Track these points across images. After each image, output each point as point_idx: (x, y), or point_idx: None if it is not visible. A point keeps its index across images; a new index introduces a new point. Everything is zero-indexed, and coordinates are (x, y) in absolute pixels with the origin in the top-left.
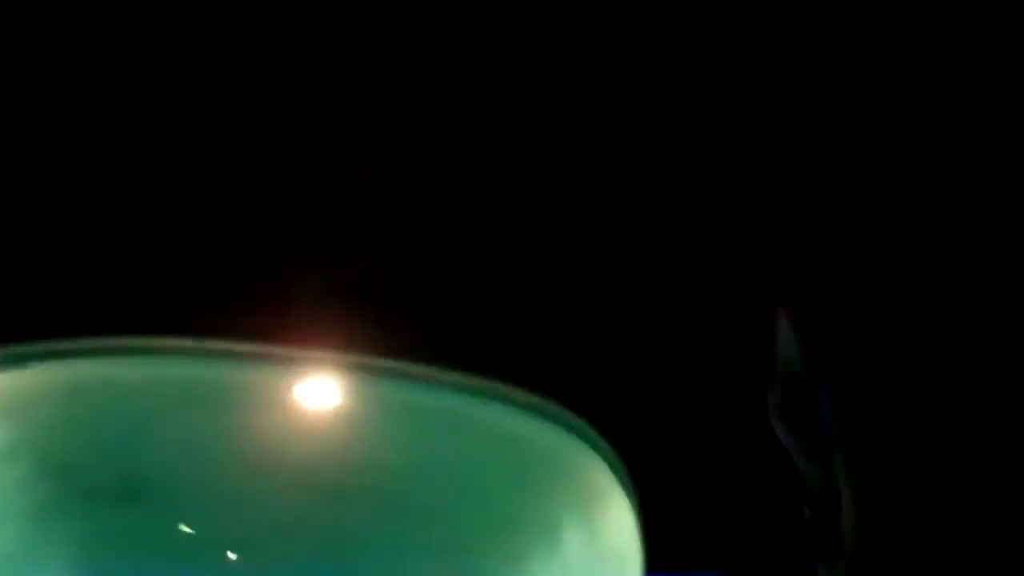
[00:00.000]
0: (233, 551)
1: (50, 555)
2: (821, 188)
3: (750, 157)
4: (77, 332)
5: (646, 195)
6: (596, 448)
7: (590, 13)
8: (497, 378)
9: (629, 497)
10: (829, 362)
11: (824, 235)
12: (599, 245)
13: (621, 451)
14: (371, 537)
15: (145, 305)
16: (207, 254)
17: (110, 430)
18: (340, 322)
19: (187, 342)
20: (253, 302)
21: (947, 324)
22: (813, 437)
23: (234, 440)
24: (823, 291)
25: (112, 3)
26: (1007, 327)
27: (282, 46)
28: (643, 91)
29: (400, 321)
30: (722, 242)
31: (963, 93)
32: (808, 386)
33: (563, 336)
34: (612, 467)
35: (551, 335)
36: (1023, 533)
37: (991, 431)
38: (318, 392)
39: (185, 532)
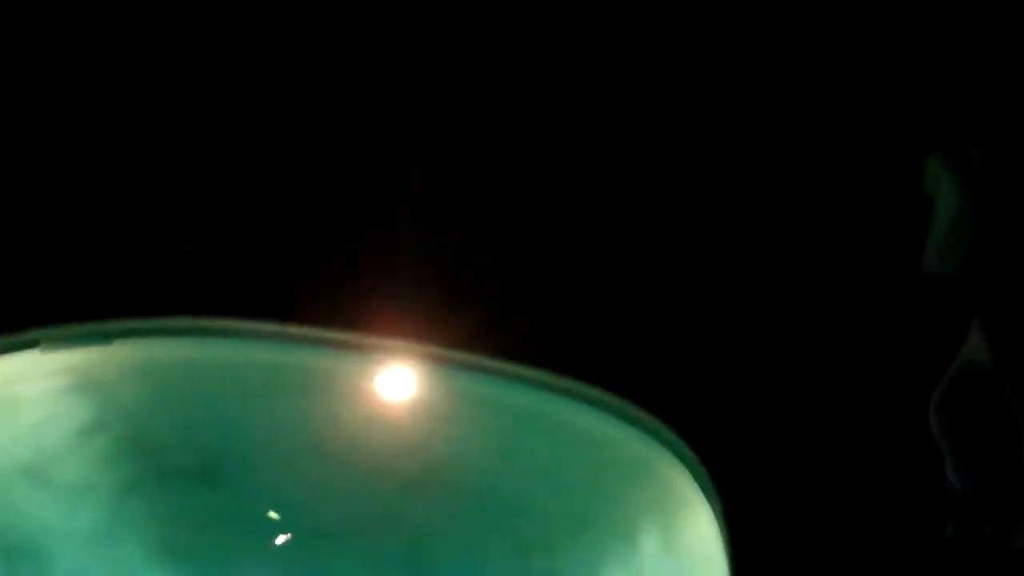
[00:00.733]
0: (308, 536)
1: (129, 532)
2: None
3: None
4: (162, 312)
5: (753, 204)
6: (678, 455)
7: None
8: (581, 379)
9: (713, 506)
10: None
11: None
12: (697, 246)
13: (708, 460)
14: (447, 531)
15: (232, 289)
16: (299, 243)
17: (191, 411)
18: (426, 315)
19: (272, 327)
20: (340, 291)
21: None
22: (980, 436)
23: (314, 427)
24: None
25: None
26: None
27: (387, 38)
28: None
29: (486, 317)
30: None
31: None
32: (991, 386)
33: (654, 340)
34: (695, 475)
35: (642, 338)
36: None
37: None
38: (400, 383)
39: (260, 515)
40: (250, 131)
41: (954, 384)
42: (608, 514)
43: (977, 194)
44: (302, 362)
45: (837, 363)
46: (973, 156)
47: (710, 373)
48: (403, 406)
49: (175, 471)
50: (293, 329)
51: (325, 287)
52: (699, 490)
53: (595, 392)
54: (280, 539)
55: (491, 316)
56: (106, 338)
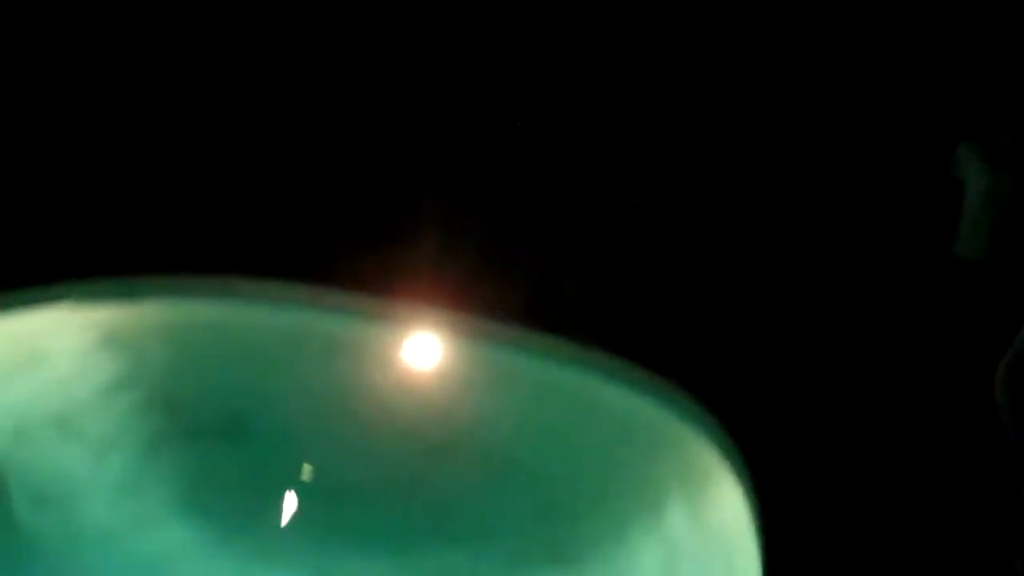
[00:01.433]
0: (332, 496)
1: (154, 486)
2: None
3: None
4: (193, 272)
5: (787, 177)
6: (709, 431)
7: None
8: (611, 352)
9: (743, 483)
10: None
11: None
12: (730, 220)
13: (740, 438)
14: (471, 496)
15: (264, 252)
16: (333, 207)
17: (218, 371)
18: (456, 284)
19: (302, 292)
20: (372, 259)
21: None
22: None
23: (341, 391)
24: None
25: None
26: None
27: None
28: None
29: (517, 289)
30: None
31: None
32: None
33: (690, 316)
34: (726, 452)
35: (677, 314)
36: None
37: None
38: (428, 351)
39: (285, 474)
40: (279, 93)
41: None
42: (634, 486)
43: (1008, 178)
44: (331, 328)
45: (873, 337)
46: (1003, 140)
47: (745, 350)
48: (430, 374)
49: (201, 429)
50: (323, 295)
51: (357, 253)
52: (729, 467)
53: (624, 365)
54: (304, 498)
55: (522, 287)
56: (136, 296)
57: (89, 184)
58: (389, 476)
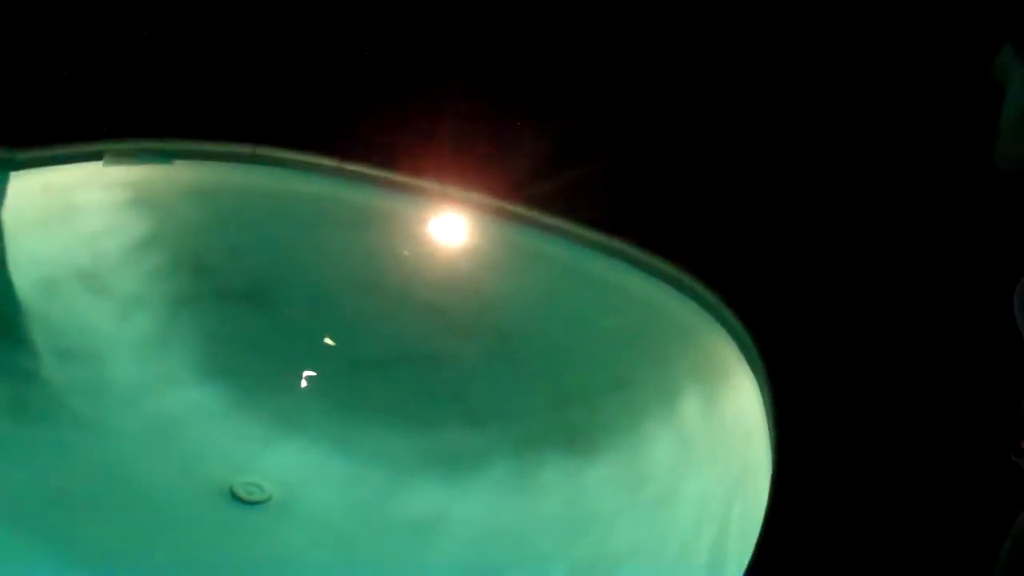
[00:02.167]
0: (352, 365)
1: (177, 345)
2: None
3: None
4: (223, 138)
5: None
6: (727, 325)
7: None
8: (635, 241)
9: (758, 377)
10: None
11: None
12: (757, 116)
13: (758, 333)
14: (490, 374)
15: (294, 122)
16: (364, 81)
17: (244, 236)
18: (483, 163)
19: (332, 162)
20: (402, 134)
21: None
22: None
23: (365, 262)
24: None
25: None
26: None
27: None
28: None
29: (543, 170)
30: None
31: None
32: None
33: (714, 211)
34: (742, 346)
35: (702, 208)
36: None
37: None
38: (453, 229)
39: (307, 341)
40: None
41: None
42: (650, 377)
43: None
44: (357, 199)
45: (898, 240)
46: None
47: (768, 247)
48: (454, 251)
49: (225, 292)
50: (350, 166)
51: (385, 129)
52: (745, 361)
53: (646, 256)
54: (325, 368)
55: (548, 170)
56: (167, 157)
57: (126, 47)
58: (410, 352)
